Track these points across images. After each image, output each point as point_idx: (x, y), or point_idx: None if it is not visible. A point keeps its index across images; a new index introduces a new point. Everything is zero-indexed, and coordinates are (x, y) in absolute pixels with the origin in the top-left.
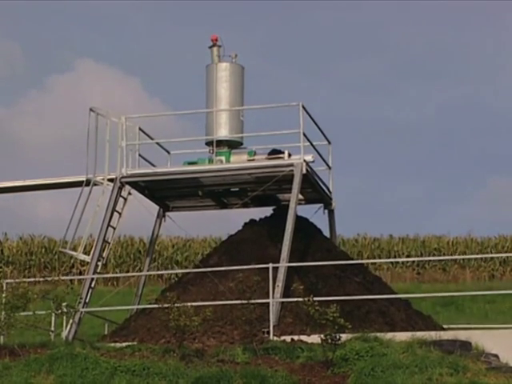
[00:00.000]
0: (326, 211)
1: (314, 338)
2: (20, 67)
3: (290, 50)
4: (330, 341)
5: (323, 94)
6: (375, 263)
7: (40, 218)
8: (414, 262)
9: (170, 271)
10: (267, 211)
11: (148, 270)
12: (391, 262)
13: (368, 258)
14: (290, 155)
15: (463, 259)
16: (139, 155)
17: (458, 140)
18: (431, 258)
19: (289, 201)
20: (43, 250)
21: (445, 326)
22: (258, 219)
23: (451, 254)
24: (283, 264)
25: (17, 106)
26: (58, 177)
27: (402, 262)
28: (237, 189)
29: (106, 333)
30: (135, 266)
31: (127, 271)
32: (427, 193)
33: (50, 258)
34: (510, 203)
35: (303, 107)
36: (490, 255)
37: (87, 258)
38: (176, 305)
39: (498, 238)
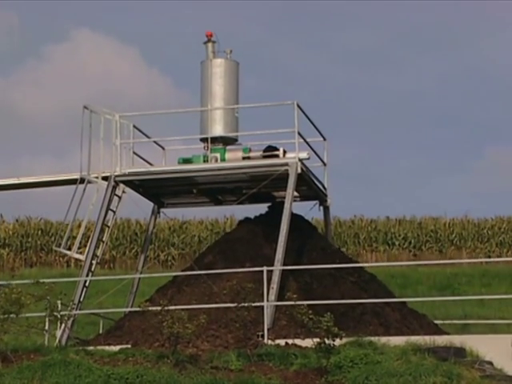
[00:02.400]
0: (322, 208)
1: (309, 342)
2: (17, 36)
3: (290, 22)
4: (324, 348)
5: (322, 65)
6: (371, 245)
7: (36, 190)
8: (410, 243)
9: (165, 274)
10: (262, 206)
11: (143, 268)
12: (388, 244)
13: (365, 239)
14: (285, 152)
15: (460, 240)
16: (134, 153)
17: (456, 110)
18: (425, 262)
19: (284, 197)
20: (39, 232)
21: (439, 322)
22: (252, 217)
23: (448, 236)
24: (277, 267)
25: (14, 75)
26: (54, 173)
27: (399, 244)
28: (232, 186)
29: (100, 330)
30: (132, 248)
31: (124, 253)
32: (425, 163)
33: (46, 240)
34: (508, 173)
35: (298, 106)
36: (481, 260)
37: (81, 257)
38: (170, 307)
39: (495, 220)
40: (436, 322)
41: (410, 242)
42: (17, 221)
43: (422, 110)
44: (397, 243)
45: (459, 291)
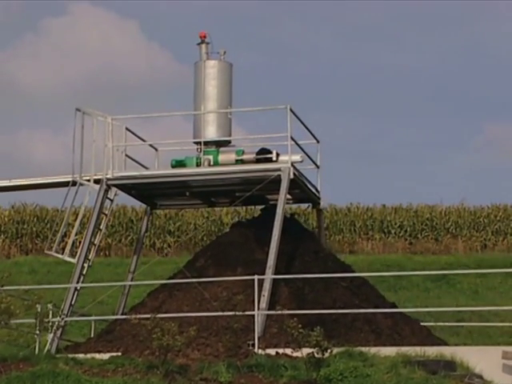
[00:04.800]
0: (314, 210)
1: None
2: (14, 10)
3: None
4: (313, 361)
5: (323, 40)
6: (367, 233)
7: (35, 161)
8: (406, 231)
9: (155, 281)
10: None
11: (135, 268)
12: (383, 232)
13: (360, 227)
14: (278, 155)
15: (456, 228)
16: (126, 155)
17: (456, 86)
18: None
19: (277, 200)
20: (35, 218)
21: (431, 324)
22: (245, 220)
23: (444, 224)
24: (269, 276)
25: (13, 49)
26: (46, 176)
27: (395, 232)
28: (225, 189)
29: (92, 332)
30: (127, 235)
31: (120, 240)
32: (424, 139)
33: (41, 227)
34: (506, 149)
35: (291, 110)
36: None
37: (73, 260)
38: (160, 315)
39: (491, 208)
40: (428, 324)
41: (406, 230)
42: (12, 207)
43: (422, 86)
44: (393, 231)
45: (454, 282)
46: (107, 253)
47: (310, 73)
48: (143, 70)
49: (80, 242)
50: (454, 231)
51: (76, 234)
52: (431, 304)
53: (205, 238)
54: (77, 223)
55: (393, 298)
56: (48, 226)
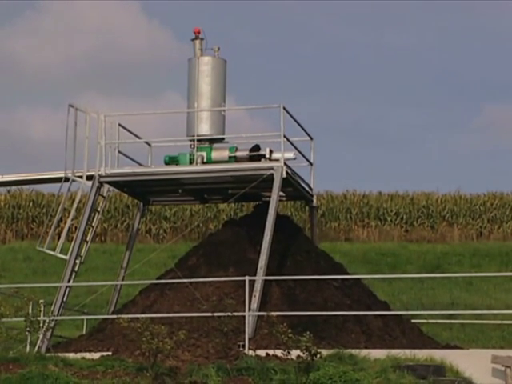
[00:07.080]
0: (307, 208)
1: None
2: None
3: None
4: (303, 367)
5: (323, 21)
6: (363, 220)
7: (34, 138)
8: (402, 219)
9: (148, 281)
10: None
11: (128, 264)
12: (379, 219)
13: (356, 214)
14: (271, 152)
15: (451, 216)
16: (119, 151)
17: (455, 66)
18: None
19: (270, 197)
20: (31, 203)
21: (423, 321)
22: (238, 218)
23: (440, 212)
24: (260, 277)
25: (13, 27)
26: (39, 172)
27: (391, 219)
28: (217, 187)
29: (84, 326)
30: (123, 221)
31: (115, 226)
32: (423, 120)
33: (37, 211)
34: (505, 130)
35: (284, 108)
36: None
37: (65, 257)
38: (151, 315)
39: (487, 195)
40: (420, 321)
41: (402, 218)
42: (8, 192)
43: (420, 68)
44: (389, 219)
45: (449, 272)
46: (103, 238)
47: (310, 54)
48: (144, 47)
49: (75, 228)
50: (449, 219)
51: (68, 229)
52: (425, 295)
53: (201, 225)
54: (68, 220)
55: (387, 289)
56: (44, 210)
